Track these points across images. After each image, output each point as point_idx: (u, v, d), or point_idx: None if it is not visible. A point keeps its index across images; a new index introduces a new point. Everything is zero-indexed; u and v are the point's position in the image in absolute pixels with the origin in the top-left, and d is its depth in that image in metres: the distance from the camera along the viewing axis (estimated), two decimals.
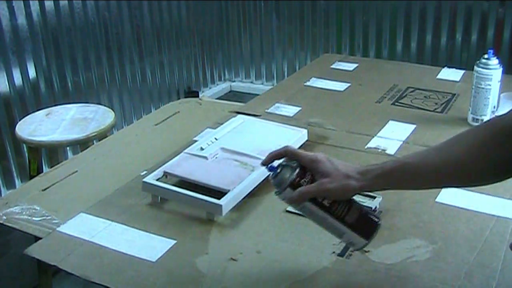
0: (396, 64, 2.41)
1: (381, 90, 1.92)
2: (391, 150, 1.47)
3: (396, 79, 2.04)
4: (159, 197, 1.26)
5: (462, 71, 2.07)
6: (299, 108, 1.78)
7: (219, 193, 1.22)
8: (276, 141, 1.43)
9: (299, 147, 1.48)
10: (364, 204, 1.21)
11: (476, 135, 0.94)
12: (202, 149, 1.41)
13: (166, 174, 1.31)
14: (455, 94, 1.87)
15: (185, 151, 1.40)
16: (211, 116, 1.77)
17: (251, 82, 4.25)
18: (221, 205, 1.17)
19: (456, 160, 0.93)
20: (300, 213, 1.01)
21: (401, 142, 1.52)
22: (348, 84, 1.98)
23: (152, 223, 1.19)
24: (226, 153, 1.40)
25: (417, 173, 0.96)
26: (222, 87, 4.24)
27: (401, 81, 2.01)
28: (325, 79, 2.06)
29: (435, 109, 1.76)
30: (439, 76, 2.04)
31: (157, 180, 1.28)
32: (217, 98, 3.88)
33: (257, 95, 2.04)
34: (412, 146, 1.50)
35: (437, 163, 0.94)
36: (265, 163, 1.00)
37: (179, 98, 3.57)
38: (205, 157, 1.37)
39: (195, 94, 3.87)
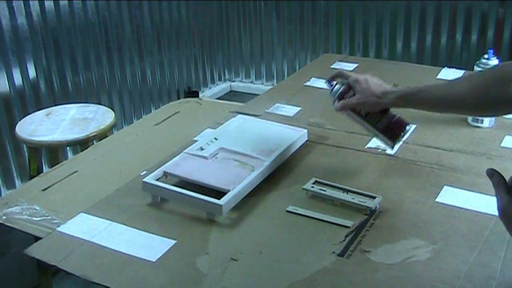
0: (396, 64, 2.41)
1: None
2: (391, 150, 1.47)
3: (396, 79, 2.03)
4: (159, 197, 1.26)
5: (462, 71, 2.06)
6: (299, 108, 1.78)
7: (219, 193, 1.21)
8: (276, 141, 1.43)
9: (299, 147, 1.48)
10: (363, 204, 1.21)
11: (481, 75, 1.16)
12: (202, 149, 1.41)
13: (166, 174, 1.31)
14: None
15: (185, 151, 1.40)
16: (211, 116, 1.77)
17: (251, 82, 4.25)
18: (221, 205, 1.17)
19: (460, 95, 1.13)
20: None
21: (401, 142, 1.52)
22: None
23: (152, 223, 1.19)
24: (226, 153, 1.40)
25: (429, 100, 1.20)
26: (222, 87, 4.24)
27: (401, 81, 2.00)
28: (325, 79, 2.05)
29: None
30: (439, 76, 2.04)
31: (157, 180, 1.28)
32: (217, 98, 3.89)
33: (257, 95, 2.04)
34: (412, 146, 1.51)
35: (446, 95, 1.16)
36: (328, 80, 1.37)
37: (179, 98, 3.57)
38: (205, 157, 1.37)
39: (195, 94, 3.87)
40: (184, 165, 1.34)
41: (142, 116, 3.37)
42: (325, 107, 1.80)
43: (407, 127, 1.31)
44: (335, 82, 1.35)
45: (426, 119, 1.68)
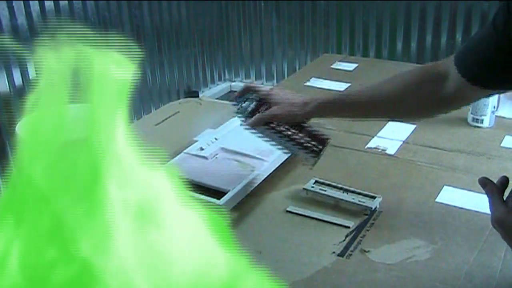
0: (396, 64, 2.41)
1: None
2: (391, 150, 1.48)
3: None
4: None
5: None
6: None
7: (219, 193, 1.22)
8: None
9: None
10: (363, 204, 1.21)
11: (411, 74, 1.11)
12: (202, 149, 1.41)
13: None
14: None
15: (185, 151, 1.40)
16: (211, 116, 1.77)
17: (251, 82, 4.25)
18: (221, 205, 1.18)
19: (390, 96, 1.10)
20: (266, 141, 1.22)
21: (401, 142, 1.53)
22: (348, 84, 1.98)
23: None
24: (226, 153, 1.40)
25: (355, 105, 1.15)
26: (222, 87, 4.24)
27: None
28: (325, 79, 2.06)
29: None
30: None
31: None
32: (217, 98, 3.89)
33: None
34: (412, 146, 1.51)
35: (372, 99, 1.12)
36: (234, 99, 1.23)
37: (179, 98, 3.56)
38: (205, 157, 1.37)
39: (195, 94, 3.87)
40: (184, 165, 1.34)
41: (142, 116, 3.37)
42: None
43: (328, 141, 1.22)
44: (243, 99, 1.23)
45: (426, 119, 1.68)
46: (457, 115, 1.69)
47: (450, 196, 1.27)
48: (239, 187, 1.24)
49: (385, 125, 1.62)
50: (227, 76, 4.31)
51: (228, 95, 4.19)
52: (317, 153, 1.19)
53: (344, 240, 1.12)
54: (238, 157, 1.38)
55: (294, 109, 1.17)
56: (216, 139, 1.46)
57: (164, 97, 3.71)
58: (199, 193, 1.21)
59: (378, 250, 1.09)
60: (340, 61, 2.26)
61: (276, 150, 1.38)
